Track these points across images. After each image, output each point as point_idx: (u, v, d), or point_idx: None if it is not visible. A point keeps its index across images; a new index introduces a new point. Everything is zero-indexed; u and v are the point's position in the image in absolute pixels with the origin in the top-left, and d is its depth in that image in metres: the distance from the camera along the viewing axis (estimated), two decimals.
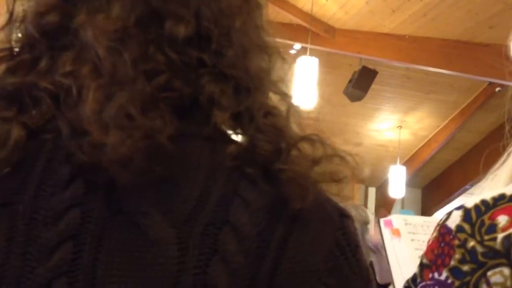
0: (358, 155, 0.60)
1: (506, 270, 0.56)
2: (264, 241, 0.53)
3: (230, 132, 0.59)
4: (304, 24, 6.06)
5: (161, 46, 0.55)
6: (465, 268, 0.60)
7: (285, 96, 0.62)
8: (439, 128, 8.00)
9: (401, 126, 8.02)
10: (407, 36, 5.97)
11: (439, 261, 0.63)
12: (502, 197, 0.62)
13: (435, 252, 0.64)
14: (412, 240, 1.72)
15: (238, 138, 0.59)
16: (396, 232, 1.74)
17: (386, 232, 1.77)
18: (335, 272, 0.54)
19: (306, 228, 0.54)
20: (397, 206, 9.02)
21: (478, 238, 0.60)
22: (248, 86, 0.58)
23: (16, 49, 0.59)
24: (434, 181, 9.30)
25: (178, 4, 0.57)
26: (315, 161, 0.57)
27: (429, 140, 8.29)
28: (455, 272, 0.61)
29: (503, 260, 0.57)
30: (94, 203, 0.52)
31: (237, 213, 0.53)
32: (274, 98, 0.62)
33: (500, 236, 0.58)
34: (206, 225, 0.52)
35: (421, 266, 0.67)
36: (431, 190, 9.37)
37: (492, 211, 0.61)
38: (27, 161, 0.53)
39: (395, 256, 1.68)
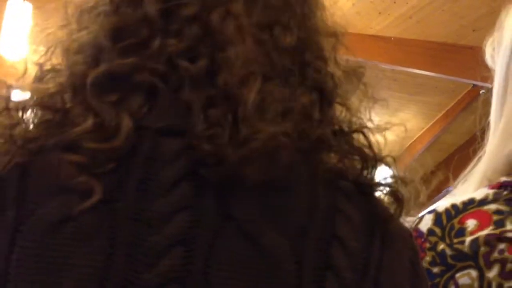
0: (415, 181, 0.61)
1: (473, 272, 0.58)
2: (365, 258, 0.53)
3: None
4: None
5: (272, 50, 0.56)
6: (435, 270, 0.62)
7: (364, 116, 0.64)
8: (424, 129, 8.05)
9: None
10: (392, 38, 6.01)
11: None
12: (471, 201, 0.64)
13: None
14: None
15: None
16: None
17: None
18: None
19: (392, 246, 0.55)
20: None
21: (447, 241, 0.62)
22: (336, 101, 0.60)
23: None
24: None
25: (287, 16, 0.59)
26: (401, 180, 0.59)
27: (414, 141, 8.34)
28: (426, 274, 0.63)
29: (471, 263, 0.59)
30: (203, 206, 0.49)
31: (343, 228, 0.53)
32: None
33: (468, 239, 0.60)
34: (318, 239, 0.51)
35: None
36: None
37: (461, 215, 0.63)
38: (128, 156, 0.50)
39: None
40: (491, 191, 0.64)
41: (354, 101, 0.63)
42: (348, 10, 5.86)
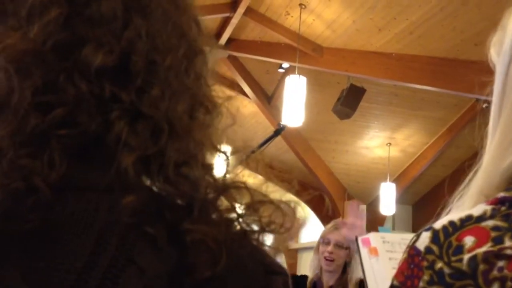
0: (293, 202, 0.55)
1: None
2: None
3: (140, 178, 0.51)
4: (292, 43, 6.11)
5: (72, 75, 0.49)
6: None
7: (217, 150, 0.56)
8: (428, 144, 8.04)
9: (390, 143, 8.05)
10: (393, 54, 6.03)
11: (409, 283, 0.63)
12: (469, 218, 0.62)
13: (405, 273, 0.64)
14: (390, 259, 1.71)
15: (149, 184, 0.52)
16: (374, 251, 1.73)
17: (364, 251, 1.76)
18: None
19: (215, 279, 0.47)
20: (388, 223, 9.01)
21: (445, 259, 0.60)
22: (165, 129, 0.51)
23: None
24: (425, 198, 9.32)
25: (105, 32, 0.51)
26: (241, 213, 0.52)
27: (418, 156, 8.32)
28: None
29: (470, 281, 0.57)
30: None
31: (127, 286, 0.45)
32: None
33: (466, 257, 0.58)
34: None
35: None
36: (422, 207, 9.38)
37: (459, 232, 0.61)
38: None
39: (373, 275, 1.67)
40: (489, 207, 0.62)
41: (199, 134, 0.55)
42: (348, 28, 5.90)
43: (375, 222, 8.84)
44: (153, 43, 0.53)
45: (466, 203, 0.69)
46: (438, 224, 0.63)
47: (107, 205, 0.48)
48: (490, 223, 0.59)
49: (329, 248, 2.88)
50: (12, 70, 0.47)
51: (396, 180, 8.46)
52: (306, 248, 9.90)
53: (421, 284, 0.61)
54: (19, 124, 0.46)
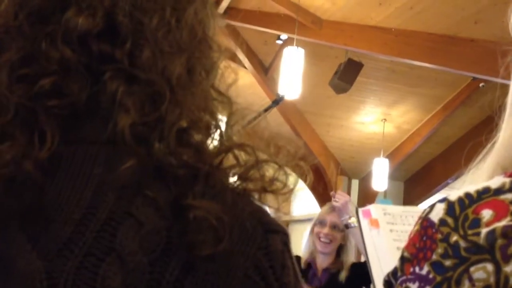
0: (301, 162, 0.54)
1: (489, 266, 0.55)
2: (157, 273, 0.44)
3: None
4: (291, 14, 6.03)
5: (56, 42, 0.46)
6: (447, 263, 0.58)
7: (225, 102, 0.54)
8: (423, 122, 8.04)
9: (385, 119, 8.04)
10: (393, 29, 5.97)
11: (421, 255, 0.61)
12: (486, 190, 0.60)
13: (417, 245, 0.63)
14: (391, 230, 1.70)
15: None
16: (375, 223, 1.71)
17: (364, 223, 1.75)
18: None
19: (215, 253, 0.46)
20: (379, 199, 9.06)
21: (461, 232, 0.58)
22: (163, 92, 0.49)
23: None
24: (417, 175, 9.36)
25: None
26: (244, 173, 0.51)
27: (412, 133, 8.32)
28: (436, 266, 0.59)
29: (487, 256, 0.55)
30: None
31: (125, 238, 0.44)
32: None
33: (484, 231, 0.56)
34: (84, 256, 0.44)
35: (402, 259, 0.65)
36: (414, 184, 9.43)
37: (476, 204, 0.59)
38: None
39: (373, 248, 1.66)
40: (508, 180, 0.60)
41: (201, 92, 0.53)
42: (349, 0, 5.82)
43: (367, 197, 8.88)
44: (136, 1, 0.50)
45: (483, 176, 0.67)
46: (453, 196, 0.61)
47: (104, 159, 0.47)
48: (509, 196, 0.58)
49: (325, 230, 2.88)
50: None
51: (390, 156, 8.48)
52: (297, 221, 9.97)
53: (434, 257, 0.59)
54: (2, 102, 0.45)
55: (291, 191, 0.53)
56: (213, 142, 0.52)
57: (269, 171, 0.53)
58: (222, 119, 0.55)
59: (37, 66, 0.46)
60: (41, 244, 0.44)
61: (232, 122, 0.54)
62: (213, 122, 0.53)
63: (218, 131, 0.53)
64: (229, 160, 0.52)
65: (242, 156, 0.52)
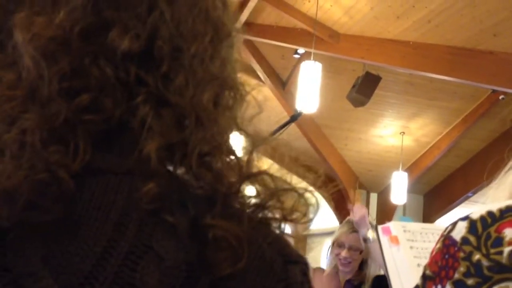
0: (311, 192, 0.54)
1: None
2: None
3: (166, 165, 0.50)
4: (308, 29, 6.06)
5: (98, 60, 0.48)
6: (470, 281, 0.58)
7: (246, 136, 0.55)
8: (442, 135, 7.98)
9: (404, 132, 8.00)
10: (411, 42, 5.96)
11: (443, 273, 0.61)
12: (509, 209, 0.60)
13: (439, 264, 0.63)
14: (411, 247, 1.69)
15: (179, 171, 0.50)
16: (395, 240, 1.71)
17: (384, 239, 1.74)
18: None
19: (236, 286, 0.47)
20: (398, 213, 8.99)
21: (484, 251, 0.58)
22: (190, 117, 0.50)
23: None
24: (436, 188, 9.27)
25: (131, 16, 0.50)
26: (263, 201, 0.51)
27: (431, 146, 8.26)
28: (459, 285, 0.59)
29: (509, 275, 0.55)
30: None
31: (146, 274, 0.45)
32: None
33: (506, 249, 0.56)
34: None
35: (424, 277, 0.65)
36: (433, 197, 9.34)
37: (498, 223, 0.59)
38: None
39: (394, 265, 1.65)
40: None
41: (224, 123, 0.54)
42: (366, 14, 5.83)
43: (385, 211, 8.82)
44: (178, 28, 0.52)
45: (505, 192, 0.67)
46: (476, 214, 0.61)
47: (127, 189, 0.47)
48: None
49: (344, 252, 2.87)
50: (40, 58, 0.46)
51: (408, 170, 8.42)
52: (315, 235, 9.92)
53: (456, 275, 0.59)
54: (46, 113, 0.46)
55: (310, 220, 0.54)
56: (234, 169, 0.52)
57: (289, 200, 0.53)
58: (243, 146, 0.56)
59: (78, 81, 0.48)
60: (62, 278, 0.44)
61: (253, 149, 0.54)
62: (235, 150, 0.54)
63: (239, 158, 0.53)
64: (249, 187, 0.52)
65: (264, 182, 0.53)
